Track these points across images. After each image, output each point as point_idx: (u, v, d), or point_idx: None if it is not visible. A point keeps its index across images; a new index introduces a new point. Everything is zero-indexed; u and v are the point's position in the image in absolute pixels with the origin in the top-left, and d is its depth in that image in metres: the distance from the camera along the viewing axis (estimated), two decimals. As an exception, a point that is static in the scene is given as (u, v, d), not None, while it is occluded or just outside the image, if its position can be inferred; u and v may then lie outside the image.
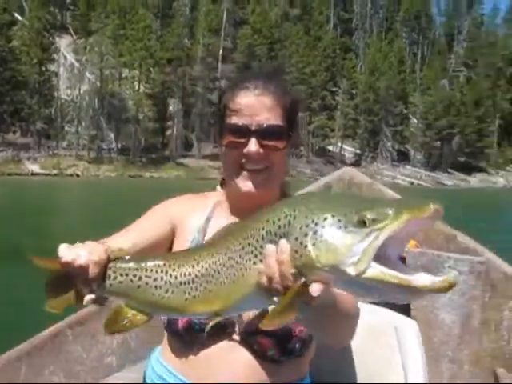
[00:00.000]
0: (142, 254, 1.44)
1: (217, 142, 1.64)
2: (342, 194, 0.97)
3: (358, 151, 65.72)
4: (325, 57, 63.87)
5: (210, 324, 1.14)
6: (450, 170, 68.88)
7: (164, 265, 1.09)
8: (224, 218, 1.57)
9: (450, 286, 0.85)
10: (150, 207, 1.70)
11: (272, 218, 0.96)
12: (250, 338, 1.47)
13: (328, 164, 59.26)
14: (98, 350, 2.45)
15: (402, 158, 66.97)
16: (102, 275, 1.11)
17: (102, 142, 52.13)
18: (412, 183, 57.54)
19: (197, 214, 1.62)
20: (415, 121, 70.62)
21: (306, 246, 0.90)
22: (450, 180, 64.95)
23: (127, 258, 1.15)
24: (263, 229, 0.97)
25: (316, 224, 0.90)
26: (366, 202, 0.92)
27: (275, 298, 0.98)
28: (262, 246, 0.97)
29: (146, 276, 1.09)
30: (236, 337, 1.49)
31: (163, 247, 1.58)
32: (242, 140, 1.47)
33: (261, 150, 1.47)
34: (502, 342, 2.92)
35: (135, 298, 1.11)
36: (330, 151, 64.10)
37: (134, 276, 1.10)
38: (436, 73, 76.43)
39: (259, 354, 1.49)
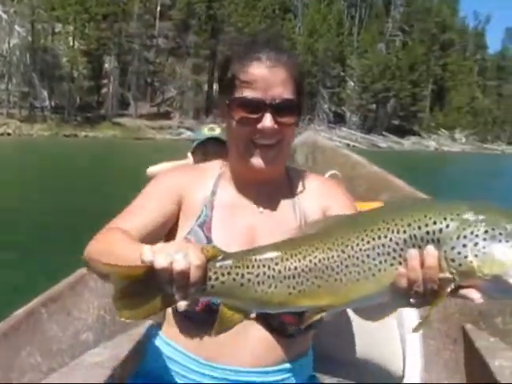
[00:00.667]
0: (154, 236, 1.45)
1: (220, 112, 1.57)
2: (481, 204, 0.99)
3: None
4: (264, 17, 63.39)
5: (314, 319, 1.07)
6: (384, 132, 70.41)
7: (266, 259, 1.06)
8: (229, 191, 1.57)
9: None
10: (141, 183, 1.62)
11: (416, 223, 0.99)
12: (272, 316, 1.45)
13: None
14: (73, 327, 2.41)
15: (339, 120, 67.93)
16: (203, 278, 1.05)
17: (34, 99, 50.35)
18: (348, 145, 58.37)
19: (200, 187, 1.57)
20: (352, 83, 71.61)
21: (466, 257, 0.96)
22: (385, 142, 66.43)
23: (223, 255, 1.09)
24: (405, 232, 1.00)
25: (476, 236, 0.96)
26: None
27: (412, 300, 1.02)
28: (402, 249, 1.00)
29: (248, 273, 1.06)
30: (253, 315, 1.45)
31: (171, 223, 1.54)
32: (256, 115, 1.43)
33: (275, 126, 1.43)
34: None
35: (238, 296, 1.07)
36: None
37: (237, 274, 1.06)
38: (373, 36, 77.32)
39: (278, 331, 1.51)
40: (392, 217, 1.03)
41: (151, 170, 3.33)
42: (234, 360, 1.48)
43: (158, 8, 60.68)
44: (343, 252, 1.03)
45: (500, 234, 0.96)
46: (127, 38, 57.73)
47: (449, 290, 0.99)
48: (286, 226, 1.51)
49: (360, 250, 1.02)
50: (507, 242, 0.96)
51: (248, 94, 1.42)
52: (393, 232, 1.01)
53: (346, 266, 1.03)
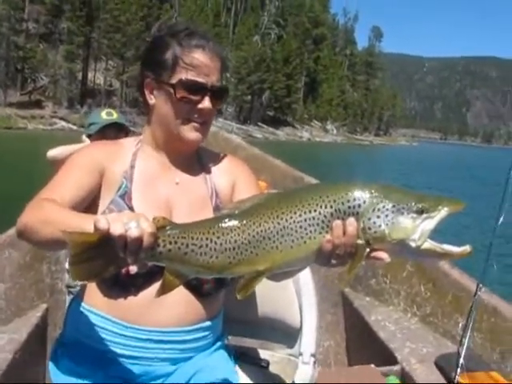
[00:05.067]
0: (79, 205, 1.54)
1: (146, 88, 1.70)
2: (387, 185, 1.25)
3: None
4: (141, 5, 62.39)
5: (254, 284, 1.22)
6: (259, 123, 72.06)
7: (208, 232, 1.19)
8: (147, 165, 1.70)
9: (470, 254, 1.21)
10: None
11: (340, 200, 1.20)
12: None
13: (141, 114, 58.73)
14: None
15: (216, 111, 68.30)
16: (153, 244, 1.15)
17: None
18: (225, 136, 59.06)
19: (119, 161, 1.67)
20: (228, 75, 72.53)
21: (379, 226, 1.18)
22: (260, 133, 67.87)
23: (171, 225, 1.20)
24: (331, 207, 1.19)
25: (387, 209, 1.19)
26: (416, 195, 1.23)
27: (333, 261, 1.22)
28: (329, 221, 1.19)
29: (192, 244, 1.18)
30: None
31: (93, 195, 1.62)
32: (197, 97, 1.59)
33: (211, 107, 1.62)
34: (347, 265, 3.24)
35: (181, 263, 1.19)
36: (142, 102, 63.16)
37: (182, 244, 1.18)
38: (249, 29, 78.44)
39: (196, 290, 1.65)
40: (319, 194, 1.21)
41: (51, 153, 3.25)
42: (156, 321, 1.60)
43: (28, -10, 57.79)
44: (279, 224, 1.19)
45: (403, 208, 1.19)
46: (-6, 21, 54.50)
47: (365, 253, 1.20)
48: (199, 196, 1.71)
49: (294, 221, 1.19)
50: (408, 214, 1.19)
51: (193, 77, 1.58)
52: (321, 207, 1.20)
53: (282, 236, 1.19)
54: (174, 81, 1.60)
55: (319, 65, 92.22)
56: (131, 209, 1.60)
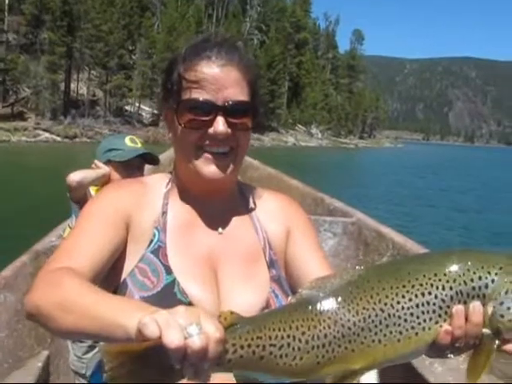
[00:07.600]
0: (104, 270, 1.24)
1: (166, 122, 1.38)
2: None
3: (155, 111, 65.75)
4: (122, 14, 62.29)
5: None
6: (245, 129, 72.16)
7: (290, 327, 0.94)
8: (182, 210, 1.37)
9: None
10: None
11: (461, 278, 0.96)
12: None
13: (126, 124, 58.57)
14: None
15: (200, 118, 68.34)
16: (222, 352, 0.88)
17: None
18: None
19: (148, 207, 1.35)
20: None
21: None
22: (246, 139, 68.05)
23: (241, 323, 0.94)
24: (451, 288, 0.96)
25: None
26: None
27: (449, 354, 0.99)
28: (448, 306, 0.96)
29: (270, 345, 0.93)
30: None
31: (120, 252, 1.29)
32: (207, 118, 1.26)
33: (229, 130, 1.26)
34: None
35: (256, 369, 0.94)
36: (127, 111, 63.27)
37: (257, 346, 0.92)
38: (231, 35, 78.70)
39: None
40: (433, 271, 0.97)
41: (74, 178, 2.90)
42: None
43: (7, 1, 57.25)
44: (382, 311, 0.95)
45: None
46: (-27, 33, 53.97)
47: (495, 346, 0.97)
48: (251, 249, 1.37)
49: (402, 308, 0.95)
50: None
51: (197, 95, 1.26)
52: (437, 288, 0.96)
53: (386, 326, 0.95)
54: (176, 105, 1.30)
55: (302, 69, 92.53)
56: (167, 268, 1.27)
